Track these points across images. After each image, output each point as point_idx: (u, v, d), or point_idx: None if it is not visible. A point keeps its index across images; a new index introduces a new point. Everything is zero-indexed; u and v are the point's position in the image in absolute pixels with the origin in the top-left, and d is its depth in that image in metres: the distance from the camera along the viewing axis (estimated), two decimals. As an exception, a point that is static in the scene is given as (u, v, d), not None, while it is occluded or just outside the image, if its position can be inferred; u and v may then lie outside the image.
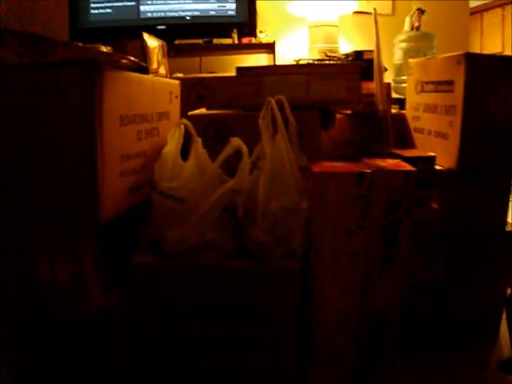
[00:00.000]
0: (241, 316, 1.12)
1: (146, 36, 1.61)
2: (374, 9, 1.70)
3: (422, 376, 1.34)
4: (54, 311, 1.16)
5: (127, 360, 1.18)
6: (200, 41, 2.96)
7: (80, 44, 1.17)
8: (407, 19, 2.75)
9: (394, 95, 2.24)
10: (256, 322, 1.12)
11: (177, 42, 2.87)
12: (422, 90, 1.66)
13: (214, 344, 1.14)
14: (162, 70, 1.71)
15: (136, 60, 1.23)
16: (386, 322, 1.22)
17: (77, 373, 1.20)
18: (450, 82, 1.44)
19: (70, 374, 1.20)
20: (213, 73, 2.68)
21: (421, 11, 2.75)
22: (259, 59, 3.20)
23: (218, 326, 1.13)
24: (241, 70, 1.46)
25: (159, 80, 1.43)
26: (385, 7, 3.33)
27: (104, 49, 1.24)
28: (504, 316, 1.50)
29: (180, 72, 2.27)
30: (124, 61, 1.17)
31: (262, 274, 1.10)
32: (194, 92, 1.79)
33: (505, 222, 1.52)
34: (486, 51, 3.39)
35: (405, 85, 1.91)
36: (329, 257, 1.16)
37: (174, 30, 2.86)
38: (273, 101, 1.21)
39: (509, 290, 1.51)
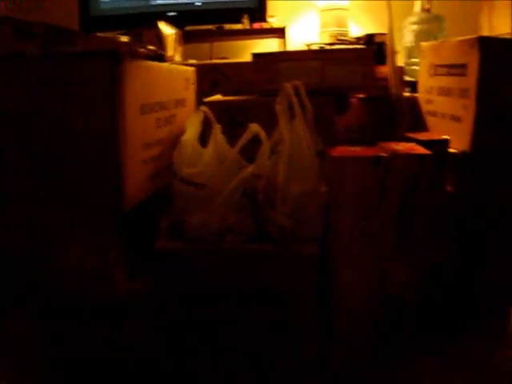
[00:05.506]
0: (261, 299, 1.14)
1: (160, 24, 1.63)
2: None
3: (442, 354, 1.37)
4: (80, 298, 1.18)
5: (153, 345, 1.21)
6: (211, 26, 2.96)
7: (100, 34, 1.19)
8: (417, 1, 2.74)
9: (406, 78, 2.24)
10: (276, 305, 1.14)
11: (188, 28, 2.87)
12: (435, 74, 1.67)
13: (234, 327, 1.17)
14: (178, 57, 1.73)
15: (154, 48, 1.24)
16: (404, 305, 1.24)
17: (102, 360, 1.23)
18: (463, 66, 1.45)
19: (95, 362, 1.23)
20: (224, 58, 2.69)
21: (431, -7, 2.74)
22: (270, 44, 3.19)
23: (239, 308, 1.16)
24: (257, 56, 1.48)
25: (176, 68, 1.44)
26: (394, -11, 3.30)
27: (123, 38, 1.26)
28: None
29: (191, 58, 2.28)
30: (142, 50, 1.19)
31: (282, 257, 1.13)
32: (207, 78, 1.80)
33: (519, 204, 1.53)
34: (495, 32, 3.35)
35: (416, 67, 1.91)
36: (346, 240, 1.18)
37: (185, 17, 2.86)
38: (289, 86, 1.22)
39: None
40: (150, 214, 1.26)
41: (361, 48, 1.92)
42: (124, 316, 1.19)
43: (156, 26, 1.58)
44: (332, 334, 1.24)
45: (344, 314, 1.23)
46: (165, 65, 1.38)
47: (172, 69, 1.40)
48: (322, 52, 1.77)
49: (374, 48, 1.64)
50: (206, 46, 3.07)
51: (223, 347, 1.19)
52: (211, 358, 1.20)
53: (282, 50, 2.91)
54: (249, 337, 1.17)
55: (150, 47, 1.22)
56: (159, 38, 1.55)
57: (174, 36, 1.63)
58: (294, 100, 1.21)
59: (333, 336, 1.25)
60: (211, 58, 2.92)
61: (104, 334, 1.21)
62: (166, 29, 1.62)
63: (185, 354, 1.20)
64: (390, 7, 1.67)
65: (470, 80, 1.41)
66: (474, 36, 1.41)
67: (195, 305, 1.17)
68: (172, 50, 1.62)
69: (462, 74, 1.46)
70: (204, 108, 1.26)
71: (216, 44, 3.11)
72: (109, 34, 1.38)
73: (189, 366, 1.21)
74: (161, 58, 1.32)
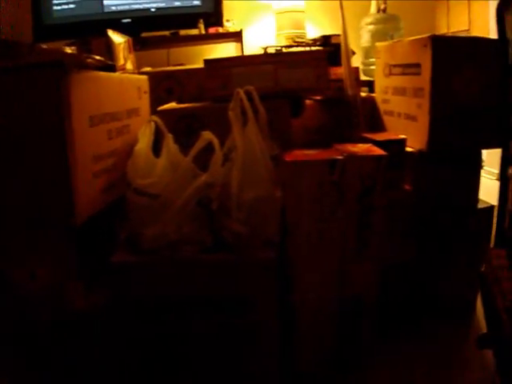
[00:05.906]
0: (220, 308, 1.13)
1: (110, 32, 1.59)
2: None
3: (400, 354, 1.37)
4: (34, 316, 1.15)
5: (112, 359, 1.18)
6: (167, 33, 2.93)
7: (44, 46, 1.15)
8: (373, 2, 2.76)
9: (363, 78, 2.24)
10: (236, 312, 1.13)
11: (143, 34, 2.84)
12: (390, 73, 1.67)
13: (194, 335, 1.15)
14: (129, 66, 1.69)
15: (102, 59, 1.21)
16: (364, 305, 1.24)
17: (60, 376, 1.20)
18: (417, 65, 1.45)
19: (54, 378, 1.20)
20: (181, 65, 2.66)
21: (386, -7, 2.76)
22: (227, 48, 3.18)
23: (199, 318, 1.14)
24: (208, 62, 1.46)
25: (127, 77, 1.42)
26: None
27: (69, 49, 1.23)
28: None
29: (148, 65, 2.25)
30: (90, 60, 1.16)
31: (239, 264, 1.11)
32: (162, 86, 1.77)
33: (476, 200, 1.54)
34: (452, 29, 3.39)
35: (373, 67, 1.92)
36: (305, 245, 1.17)
37: (140, 23, 2.83)
38: (241, 91, 1.21)
39: (482, 266, 1.53)
40: (108, 224, 1.24)
41: (314, 50, 1.91)
42: (82, 328, 1.16)
43: (105, 35, 1.55)
44: (295, 335, 1.24)
45: (305, 318, 1.22)
46: (115, 75, 1.35)
47: (123, 78, 1.37)
48: (274, 55, 1.76)
49: (329, 49, 1.64)
50: (163, 52, 3.05)
51: (183, 356, 1.17)
52: (172, 368, 1.18)
53: (239, 53, 2.90)
54: (209, 344, 1.15)
55: (98, 57, 1.19)
56: (109, 47, 1.52)
57: (124, 44, 1.60)
58: (247, 105, 1.19)
59: (296, 337, 1.24)
60: (168, 65, 2.89)
61: (64, 344, 1.17)
62: (116, 37, 1.59)
63: (145, 364, 1.18)
64: (342, 8, 1.67)
65: (424, 79, 1.42)
66: (427, 35, 1.41)
67: (154, 316, 1.15)
68: (122, 58, 1.59)
69: (416, 74, 1.47)
70: (155, 118, 1.23)
71: (173, 50, 3.08)
72: (58, 44, 1.35)
73: (148, 375, 1.19)
74: (111, 68, 1.29)
